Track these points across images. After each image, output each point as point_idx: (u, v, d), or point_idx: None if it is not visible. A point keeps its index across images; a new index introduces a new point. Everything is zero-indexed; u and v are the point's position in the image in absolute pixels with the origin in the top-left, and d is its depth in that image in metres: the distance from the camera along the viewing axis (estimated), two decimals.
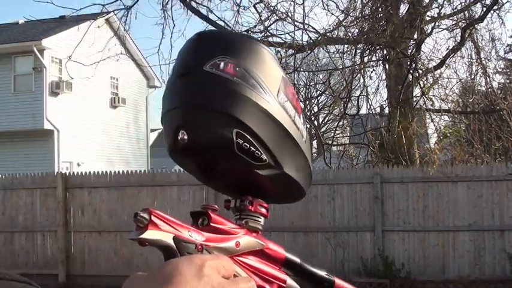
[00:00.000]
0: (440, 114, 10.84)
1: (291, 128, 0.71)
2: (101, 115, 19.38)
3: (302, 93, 24.86)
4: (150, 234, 0.60)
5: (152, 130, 22.91)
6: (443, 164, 9.51)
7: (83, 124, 18.16)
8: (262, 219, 0.72)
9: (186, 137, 0.65)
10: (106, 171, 10.07)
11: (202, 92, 0.66)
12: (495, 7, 9.60)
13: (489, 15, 9.68)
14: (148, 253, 8.84)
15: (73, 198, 9.97)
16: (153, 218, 0.61)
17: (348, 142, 15.36)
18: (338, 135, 17.65)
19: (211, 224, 0.66)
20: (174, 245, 0.61)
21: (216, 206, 0.67)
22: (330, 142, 13.75)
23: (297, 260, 0.75)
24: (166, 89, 0.71)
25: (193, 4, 10.00)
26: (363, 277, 8.71)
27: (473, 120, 10.32)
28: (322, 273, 0.77)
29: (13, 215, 10.15)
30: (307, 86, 25.40)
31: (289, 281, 0.73)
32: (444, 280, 8.64)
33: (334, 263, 8.88)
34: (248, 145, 0.67)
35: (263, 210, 0.72)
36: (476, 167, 8.99)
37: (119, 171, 10.04)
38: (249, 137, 0.67)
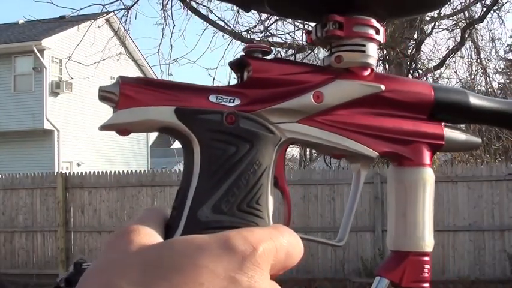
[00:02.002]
0: None
1: None
2: (101, 115, 19.38)
3: None
4: (124, 115, 0.37)
5: None
6: (443, 164, 9.51)
7: (83, 124, 18.16)
8: (370, 47, 0.43)
9: None
10: (106, 171, 10.06)
11: None
12: (495, 7, 9.60)
13: (489, 15, 9.68)
14: None
15: (73, 198, 9.97)
16: (122, 88, 0.37)
17: None
18: None
19: (254, 74, 0.40)
20: (179, 122, 0.38)
21: (267, 46, 0.41)
22: None
23: (462, 97, 0.46)
24: None
25: (193, 4, 9.99)
26: (363, 277, 8.70)
27: None
28: None
29: (13, 215, 10.15)
30: None
31: (452, 134, 0.47)
32: (444, 280, 8.62)
33: (334, 263, 8.88)
34: None
35: (369, 31, 0.43)
36: (476, 167, 8.99)
37: (118, 171, 10.04)
38: None
